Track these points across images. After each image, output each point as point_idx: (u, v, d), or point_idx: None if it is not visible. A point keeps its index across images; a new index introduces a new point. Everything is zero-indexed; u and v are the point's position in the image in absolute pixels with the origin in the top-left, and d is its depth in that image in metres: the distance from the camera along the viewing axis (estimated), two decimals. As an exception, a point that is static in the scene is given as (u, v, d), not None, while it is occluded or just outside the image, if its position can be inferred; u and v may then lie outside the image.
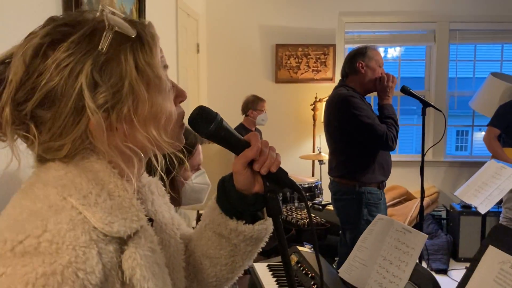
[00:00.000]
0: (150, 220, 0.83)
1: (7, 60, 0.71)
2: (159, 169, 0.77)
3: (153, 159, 0.78)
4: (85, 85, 0.67)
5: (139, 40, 0.72)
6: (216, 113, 0.82)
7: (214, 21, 5.01)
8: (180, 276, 0.92)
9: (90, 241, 0.65)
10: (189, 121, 0.82)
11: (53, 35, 0.69)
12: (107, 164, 0.73)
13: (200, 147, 1.60)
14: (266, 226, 0.93)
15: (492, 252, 0.91)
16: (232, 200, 0.90)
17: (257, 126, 4.48)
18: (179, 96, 0.82)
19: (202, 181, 1.61)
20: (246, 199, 0.88)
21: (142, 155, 0.76)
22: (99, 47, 0.68)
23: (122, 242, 0.70)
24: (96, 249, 0.65)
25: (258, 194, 0.88)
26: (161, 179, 1.53)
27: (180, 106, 0.83)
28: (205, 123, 0.80)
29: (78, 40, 0.69)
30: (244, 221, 0.91)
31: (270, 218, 0.92)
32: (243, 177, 0.86)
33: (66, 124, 0.69)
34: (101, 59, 0.68)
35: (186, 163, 1.53)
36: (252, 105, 4.37)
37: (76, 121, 0.69)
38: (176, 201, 1.55)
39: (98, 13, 0.73)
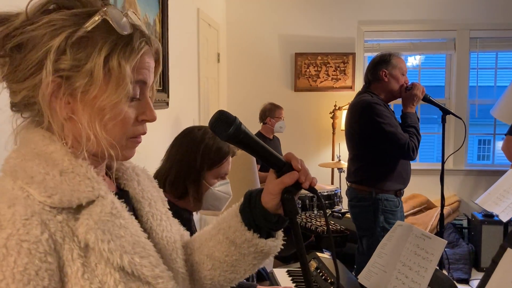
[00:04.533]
0: (122, 192, 0.91)
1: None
2: (102, 156, 0.81)
3: (84, 142, 0.79)
4: (55, 47, 0.73)
5: (126, 41, 0.77)
6: (235, 117, 0.85)
7: (234, 31, 5.08)
8: (178, 249, 0.96)
9: (32, 213, 0.70)
10: (210, 124, 0.85)
11: (64, 0, 0.77)
12: (62, 145, 0.78)
13: (230, 158, 1.65)
14: (276, 244, 0.97)
15: (511, 255, 0.92)
16: (255, 214, 0.93)
17: (275, 134, 4.51)
18: (146, 114, 0.84)
19: (225, 190, 1.65)
20: (269, 217, 0.92)
21: (80, 137, 0.79)
22: (84, 26, 0.75)
23: (75, 212, 0.75)
24: (39, 219, 0.70)
25: (280, 216, 0.92)
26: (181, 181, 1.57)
27: (144, 126, 0.85)
28: (225, 126, 0.83)
29: (77, 13, 0.76)
30: (259, 235, 0.94)
31: (280, 239, 0.97)
32: (275, 198, 0.90)
33: (26, 73, 0.75)
34: (80, 34, 0.75)
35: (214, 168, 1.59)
36: (270, 113, 4.39)
37: (34, 74, 0.75)
38: (198, 203, 1.60)
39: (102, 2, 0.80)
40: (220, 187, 1.63)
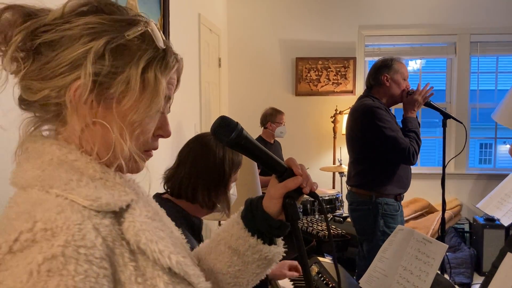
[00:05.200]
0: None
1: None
2: (123, 162, 0.77)
3: (118, 152, 0.77)
4: (94, 50, 0.71)
5: (162, 55, 0.77)
6: (237, 123, 0.86)
7: (235, 36, 5.10)
8: (187, 250, 0.94)
9: (83, 218, 0.66)
10: (212, 130, 0.86)
11: (102, 5, 0.76)
12: (82, 153, 0.75)
13: None
14: (279, 250, 0.97)
15: (511, 259, 0.93)
16: (258, 220, 0.93)
17: (276, 139, 4.52)
18: (162, 129, 0.83)
19: (233, 191, 1.67)
20: (272, 222, 0.92)
21: (103, 142, 0.76)
22: (126, 34, 0.74)
23: (117, 217, 0.73)
24: (91, 224, 0.66)
25: (282, 221, 0.93)
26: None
27: (158, 141, 0.84)
28: (227, 132, 0.84)
29: (117, 20, 0.75)
30: (262, 241, 0.94)
31: (281, 246, 0.97)
32: (277, 203, 0.90)
33: (57, 70, 0.72)
34: (120, 42, 0.73)
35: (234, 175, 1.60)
36: (271, 117, 4.40)
37: (65, 73, 0.72)
38: (225, 213, 1.61)
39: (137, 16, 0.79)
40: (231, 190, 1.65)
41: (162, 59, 0.77)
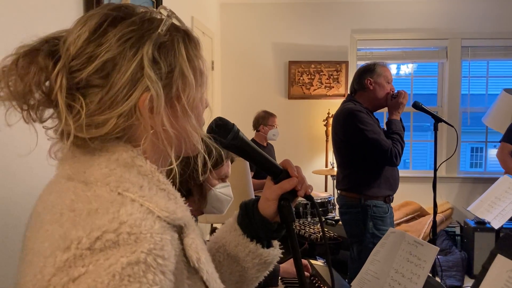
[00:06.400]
0: None
1: (55, 36, 0.72)
2: (199, 162, 0.77)
3: (197, 145, 0.77)
4: (146, 57, 0.68)
5: (188, 35, 0.75)
6: (233, 124, 0.87)
7: (228, 39, 5.11)
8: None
9: (164, 229, 0.65)
10: (208, 131, 0.86)
11: (116, 12, 0.72)
12: (145, 159, 0.72)
13: (229, 161, 1.67)
14: (276, 252, 0.98)
15: (501, 261, 0.94)
16: (255, 224, 0.94)
17: (269, 141, 4.53)
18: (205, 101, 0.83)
19: (226, 192, 1.67)
20: (269, 225, 0.93)
21: (180, 141, 0.75)
22: (159, 30, 0.71)
23: (179, 231, 0.70)
24: (169, 236, 0.65)
25: (279, 223, 0.93)
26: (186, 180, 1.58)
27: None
28: (223, 133, 0.85)
29: (138, 21, 0.71)
30: (261, 245, 0.95)
31: (278, 248, 0.98)
32: (272, 205, 0.91)
33: (118, 96, 0.68)
34: (160, 40, 0.71)
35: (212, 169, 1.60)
36: (263, 120, 4.42)
37: (128, 94, 0.68)
38: (203, 202, 1.61)
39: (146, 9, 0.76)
40: (222, 189, 1.65)
41: (191, 39, 0.76)
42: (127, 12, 0.72)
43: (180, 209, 0.71)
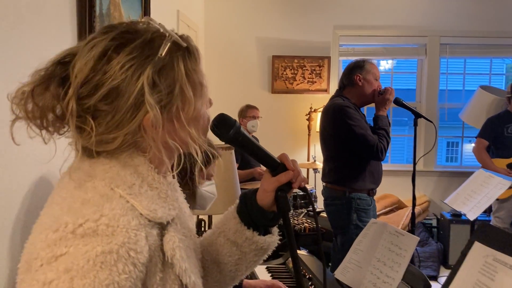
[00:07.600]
0: None
1: (66, 59, 0.79)
2: (199, 161, 0.84)
3: (194, 154, 0.84)
4: (146, 84, 0.76)
5: (187, 50, 0.83)
6: (235, 120, 0.92)
7: (212, 33, 5.11)
8: (199, 266, 1.01)
9: (140, 225, 0.74)
10: (211, 127, 0.91)
11: (118, 39, 0.78)
12: (145, 159, 0.81)
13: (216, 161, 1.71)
14: (274, 239, 1.05)
15: (478, 247, 1.01)
16: (253, 214, 1.00)
17: (252, 134, 4.57)
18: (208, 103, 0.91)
19: (211, 190, 1.71)
20: (266, 214, 1.00)
21: (182, 151, 0.84)
22: (159, 53, 0.78)
23: (161, 228, 0.80)
24: (145, 232, 0.74)
25: (275, 212, 1.00)
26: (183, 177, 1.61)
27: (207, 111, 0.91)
28: (226, 128, 0.90)
29: (139, 46, 0.78)
30: (258, 233, 1.02)
31: (276, 235, 1.05)
32: (269, 195, 0.97)
33: (124, 118, 0.77)
34: (160, 64, 0.78)
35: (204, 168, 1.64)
36: (241, 113, 4.48)
37: (133, 116, 0.77)
38: (191, 204, 1.65)
39: (144, 24, 0.82)
40: (207, 187, 1.68)
41: (190, 54, 0.82)
42: (128, 38, 0.78)
43: (164, 208, 0.80)
